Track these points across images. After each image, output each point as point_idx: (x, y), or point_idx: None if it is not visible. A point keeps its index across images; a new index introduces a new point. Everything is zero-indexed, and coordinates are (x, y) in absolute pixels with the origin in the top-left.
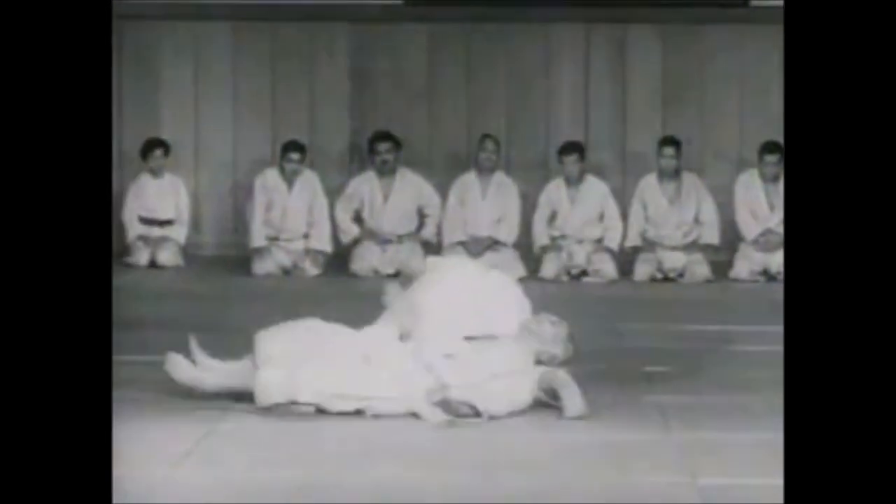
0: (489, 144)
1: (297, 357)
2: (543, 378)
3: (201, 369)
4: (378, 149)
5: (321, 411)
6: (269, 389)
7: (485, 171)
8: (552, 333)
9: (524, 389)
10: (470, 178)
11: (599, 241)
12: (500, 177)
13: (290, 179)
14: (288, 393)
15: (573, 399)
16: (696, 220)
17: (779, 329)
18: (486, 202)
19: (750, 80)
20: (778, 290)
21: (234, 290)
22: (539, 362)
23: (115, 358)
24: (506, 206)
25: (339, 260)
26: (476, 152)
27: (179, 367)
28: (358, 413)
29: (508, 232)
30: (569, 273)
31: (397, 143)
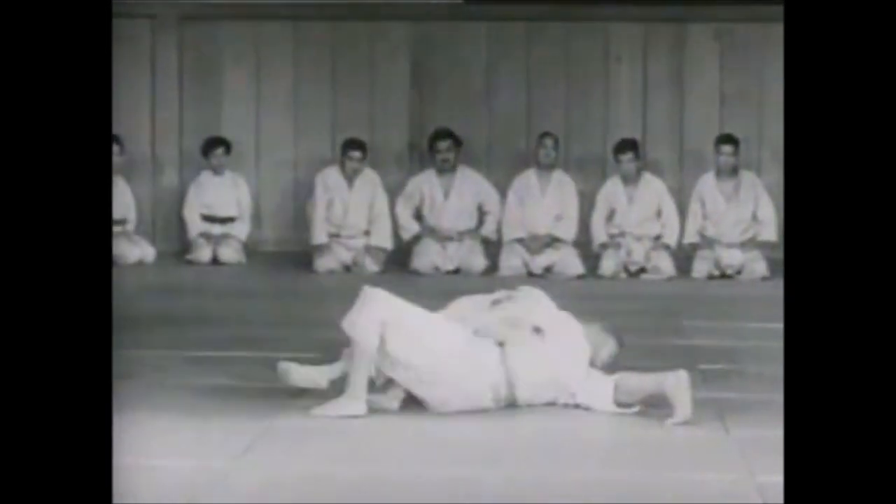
0: (548, 142)
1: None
2: (639, 383)
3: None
4: (438, 147)
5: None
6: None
7: (544, 168)
8: (599, 338)
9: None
10: (529, 176)
11: (657, 238)
12: (559, 174)
13: (350, 177)
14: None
15: (687, 404)
16: (754, 218)
17: None
18: (546, 200)
19: None
20: None
21: (295, 286)
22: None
23: (178, 353)
24: (565, 204)
25: (399, 257)
26: (535, 150)
27: (293, 373)
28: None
29: (567, 229)
30: (627, 270)
31: (457, 141)
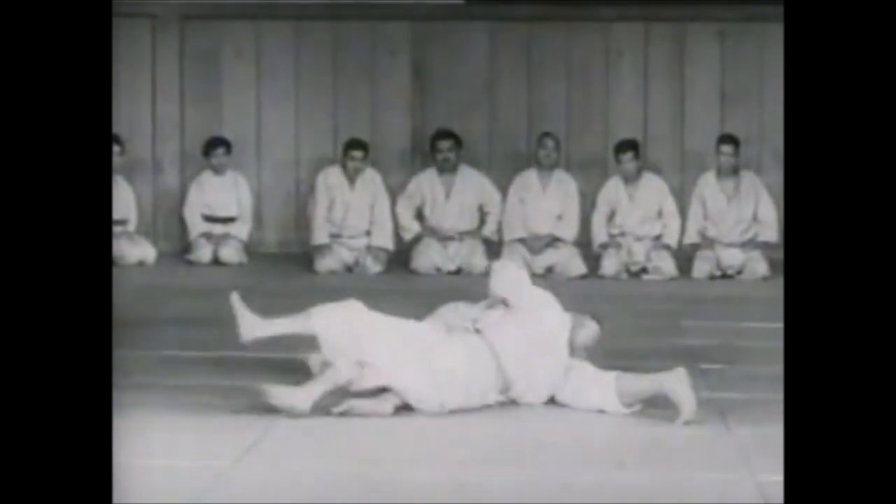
0: (549, 142)
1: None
2: (638, 384)
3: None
4: (439, 147)
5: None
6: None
7: (545, 168)
8: (575, 321)
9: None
10: (530, 176)
11: (658, 238)
12: (560, 174)
13: (352, 177)
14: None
15: (690, 401)
16: (755, 218)
17: None
18: (546, 199)
19: None
20: None
21: (296, 286)
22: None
23: (178, 354)
24: (566, 204)
25: (400, 257)
26: (536, 150)
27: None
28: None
29: (568, 229)
30: (628, 270)
31: (458, 141)
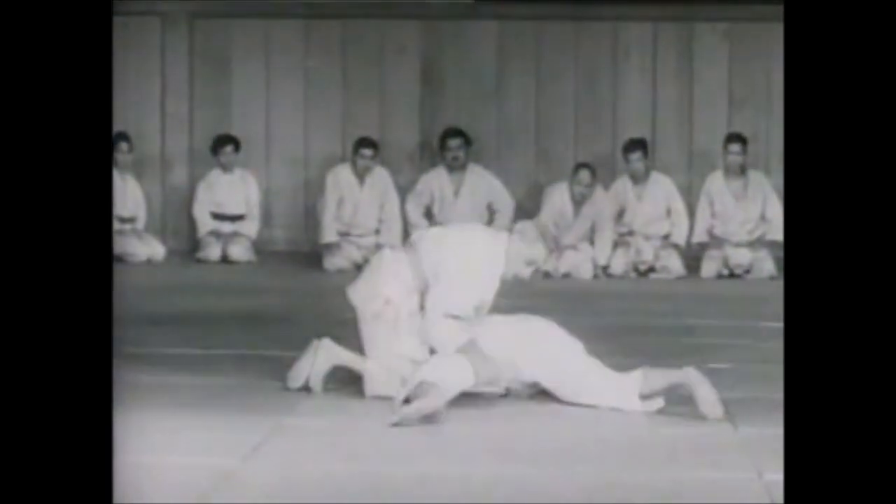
0: (584, 177)
1: None
2: (662, 380)
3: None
4: (449, 145)
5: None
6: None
7: (577, 199)
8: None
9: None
10: (564, 199)
11: (666, 237)
12: (595, 200)
13: (361, 176)
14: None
15: (712, 398)
16: (762, 217)
17: None
18: (577, 224)
19: None
20: None
21: (305, 285)
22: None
23: (187, 351)
24: (598, 229)
25: None
26: (571, 179)
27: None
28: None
29: (600, 250)
30: (636, 269)
31: (467, 140)
